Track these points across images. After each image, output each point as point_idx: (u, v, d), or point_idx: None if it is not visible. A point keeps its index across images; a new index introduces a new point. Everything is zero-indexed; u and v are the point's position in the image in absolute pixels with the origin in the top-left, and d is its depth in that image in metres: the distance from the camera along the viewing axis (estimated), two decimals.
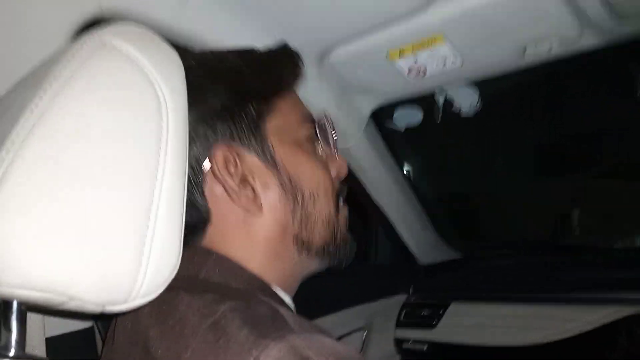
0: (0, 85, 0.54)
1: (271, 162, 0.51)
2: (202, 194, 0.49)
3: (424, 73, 0.84)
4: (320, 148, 0.57)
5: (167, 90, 0.37)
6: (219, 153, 0.48)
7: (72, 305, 0.31)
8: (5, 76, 0.54)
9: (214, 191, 0.49)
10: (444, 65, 0.81)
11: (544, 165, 1.32)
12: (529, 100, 1.14)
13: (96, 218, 0.32)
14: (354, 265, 0.59)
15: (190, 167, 0.47)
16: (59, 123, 0.32)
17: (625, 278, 1.07)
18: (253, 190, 0.50)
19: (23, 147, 0.30)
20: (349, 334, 1.19)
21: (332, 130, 0.58)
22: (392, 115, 1.12)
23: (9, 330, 0.32)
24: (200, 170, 0.48)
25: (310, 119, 0.56)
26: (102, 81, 0.34)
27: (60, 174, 0.31)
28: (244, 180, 0.49)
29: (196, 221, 0.50)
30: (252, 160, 0.50)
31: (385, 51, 0.80)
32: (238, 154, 0.49)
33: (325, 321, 1.10)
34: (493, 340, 1.14)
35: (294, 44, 0.80)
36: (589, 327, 1.03)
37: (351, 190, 1.18)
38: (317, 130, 0.56)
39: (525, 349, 1.10)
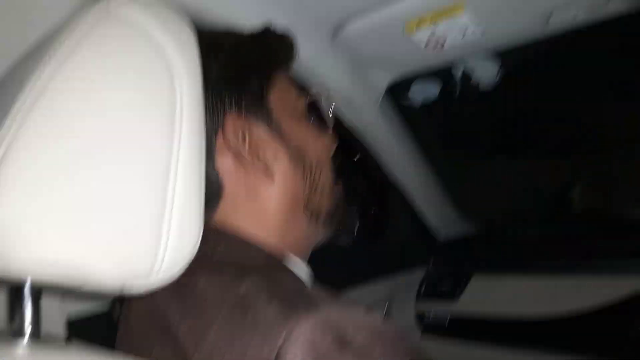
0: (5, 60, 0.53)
1: (278, 133, 0.51)
2: (214, 166, 0.49)
3: (442, 45, 0.81)
4: (314, 121, 0.58)
5: (179, 58, 0.35)
6: (230, 123, 0.48)
7: (90, 286, 0.30)
8: (11, 51, 0.53)
9: (224, 163, 0.49)
10: (464, 35, 0.78)
11: (566, 136, 1.28)
12: (552, 72, 1.09)
13: (110, 195, 0.31)
14: (373, 240, 0.58)
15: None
16: (64, 95, 0.30)
17: None
18: (263, 161, 0.50)
19: (25, 124, 0.29)
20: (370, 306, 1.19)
21: (327, 103, 0.59)
22: (409, 89, 1.09)
23: (23, 313, 0.32)
24: (212, 142, 0.48)
25: (304, 93, 0.58)
26: (110, 50, 0.33)
27: (69, 150, 0.30)
28: (254, 151, 0.49)
29: (209, 196, 0.49)
30: (260, 131, 0.50)
31: (402, 23, 0.78)
32: (248, 125, 0.49)
33: (346, 295, 1.10)
34: (516, 312, 1.13)
35: (307, 18, 0.79)
36: (617, 298, 1.00)
37: (368, 166, 1.18)
38: (313, 103, 0.58)
39: (549, 321, 1.08)
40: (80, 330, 0.53)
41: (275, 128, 0.51)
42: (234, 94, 0.49)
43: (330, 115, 0.59)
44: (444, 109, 1.18)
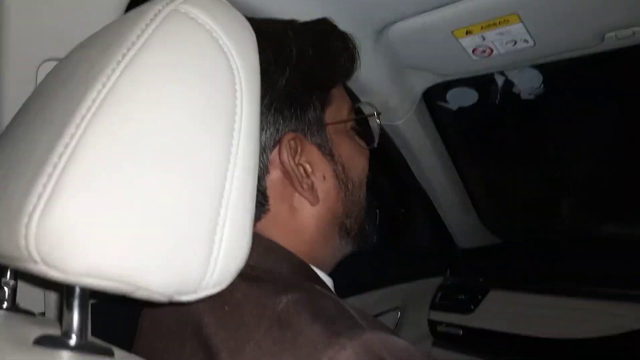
0: (56, 50, 0.53)
1: (329, 153, 0.51)
2: (264, 179, 0.48)
3: (491, 52, 0.79)
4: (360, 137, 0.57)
5: (242, 64, 0.34)
6: (286, 141, 0.48)
7: (139, 294, 0.30)
8: (59, 40, 0.53)
9: (273, 178, 0.49)
10: (514, 45, 0.76)
11: (598, 154, 1.25)
12: (597, 86, 1.06)
13: (168, 204, 0.30)
14: (392, 245, 0.58)
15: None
16: (132, 97, 0.29)
17: None
18: (311, 181, 0.49)
19: (93, 123, 0.28)
20: (383, 313, 1.19)
21: (375, 121, 0.59)
22: (445, 94, 1.07)
23: (72, 317, 0.31)
24: (266, 156, 0.48)
25: (354, 109, 0.57)
26: (177, 51, 0.32)
27: (131, 155, 0.29)
28: (305, 171, 0.49)
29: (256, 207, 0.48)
30: (312, 150, 0.50)
31: (449, 29, 0.75)
32: (301, 143, 0.49)
33: (361, 299, 1.10)
34: (532, 330, 1.12)
35: (352, 18, 0.77)
36: (636, 326, 0.98)
37: (395, 169, 1.16)
38: (360, 121, 0.58)
39: (564, 342, 1.07)
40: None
41: (327, 149, 0.51)
42: (296, 111, 0.49)
43: (377, 134, 0.59)
44: (481, 116, 1.15)
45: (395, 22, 0.78)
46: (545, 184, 1.33)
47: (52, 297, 0.57)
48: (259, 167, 0.46)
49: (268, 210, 0.49)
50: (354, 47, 0.55)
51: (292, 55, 0.49)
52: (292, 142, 0.48)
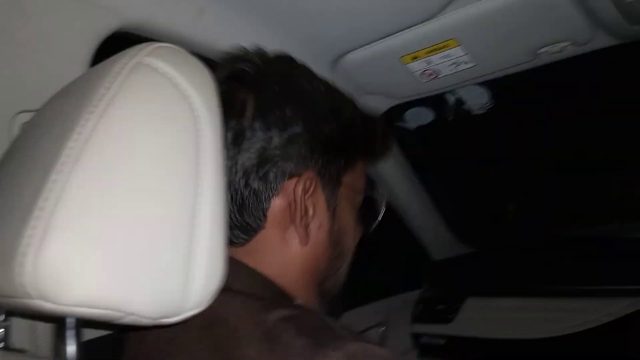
0: (25, 102, 0.56)
1: (332, 210, 0.54)
2: (271, 200, 0.50)
3: (437, 75, 0.86)
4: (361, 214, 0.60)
5: (202, 105, 0.38)
6: (306, 176, 0.50)
7: (129, 319, 0.33)
8: (31, 93, 0.56)
9: (278, 202, 0.50)
10: (457, 67, 0.82)
11: (554, 160, 1.33)
12: (541, 98, 1.15)
13: (147, 237, 0.33)
14: (369, 263, 0.62)
15: (276, 176, 0.49)
16: (106, 144, 0.33)
17: None
18: (308, 222, 0.51)
19: (76, 169, 0.31)
20: (367, 329, 1.21)
21: (381, 207, 0.64)
22: (404, 114, 1.13)
23: (65, 345, 0.34)
24: (282, 181, 0.50)
25: (369, 188, 0.60)
26: (143, 100, 0.35)
27: (110, 196, 0.32)
28: (307, 211, 0.51)
29: (249, 227, 0.51)
30: (321, 199, 0.52)
31: (398, 56, 0.82)
32: (315, 187, 0.51)
33: (344, 318, 1.12)
34: (511, 333, 1.16)
35: (309, 50, 0.83)
36: (608, 319, 1.04)
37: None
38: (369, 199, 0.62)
39: (544, 341, 1.11)
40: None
41: (333, 204, 0.53)
42: (325, 158, 0.52)
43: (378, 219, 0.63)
44: (439, 133, 1.22)
45: (348, 52, 0.84)
46: (505, 191, 1.40)
47: (42, 333, 0.58)
48: (270, 187, 0.49)
49: (263, 229, 0.51)
50: (391, 137, 0.62)
51: (343, 115, 0.54)
52: (308, 182, 0.50)
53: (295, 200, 0.50)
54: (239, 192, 0.49)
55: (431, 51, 0.78)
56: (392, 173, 1.19)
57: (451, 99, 1.02)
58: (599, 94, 1.15)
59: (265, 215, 0.50)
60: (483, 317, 1.22)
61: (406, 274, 1.40)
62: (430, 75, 0.86)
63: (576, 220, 1.38)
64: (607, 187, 1.31)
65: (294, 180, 0.50)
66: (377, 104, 1.02)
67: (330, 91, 0.56)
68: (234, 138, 0.48)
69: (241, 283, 0.48)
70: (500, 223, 1.44)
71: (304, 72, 0.56)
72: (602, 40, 0.74)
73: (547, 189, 1.39)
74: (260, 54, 0.54)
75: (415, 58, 0.81)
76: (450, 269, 1.39)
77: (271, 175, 0.49)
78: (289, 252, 0.51)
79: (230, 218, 0.50)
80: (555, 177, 1.39)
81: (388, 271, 1.34)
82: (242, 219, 0.50)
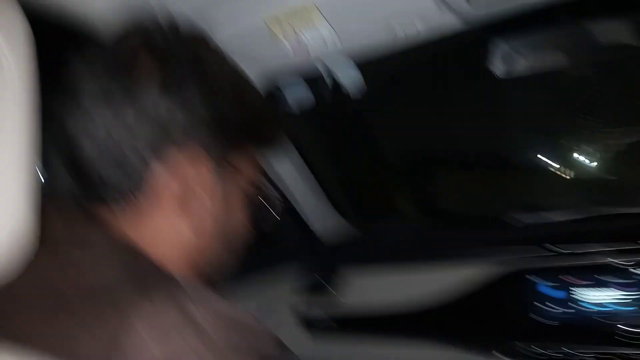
0: None
1: (218, 190, 0.53)
2: (149, 167, 0.48)
3: (308, 53, 0.88)
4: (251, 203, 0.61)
5: (11, 55, 0.36)
6: (196, 148, 0.50)
7: None
8: None
9: (156, 173, 0.49)
10: (325, 44, 0.85)
11: (428, 143, 1.42)
12: (413, 81, 1.22)
13: None
14: (257, 245, 0.63)
15: (160, 142, 0.48)
16: None
17: (508, 240, 1.18)
18: (192, 197, 0.51)
19: None
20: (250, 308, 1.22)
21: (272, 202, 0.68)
22: (286, 97, 1.14)
23: None
24: (165, 151, 0.49)
25: (260, 179, 0.62)
26: None
27: None
28: (190, 184, 0.50)
29: (125, 190, 0.49)
30: (206, 175, 0.52)
31: (266, 28, 0.82)
32: (201, 161, 0.51)
33: (225, 292, 1.11)
34: (395, 307, 1.22)
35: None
36: (478, 287, 1.14)
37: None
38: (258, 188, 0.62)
39: (424, 312, 1.19)
40: None
41: (219, 184, 0.53)
42: (220, 135, 0.51)
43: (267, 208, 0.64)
44: (321, 116, 1.25)
45: (217, 27, 0.83)
46: (389, 175, 1.47)
47: None
48: (153, 152, 0.48)
49: (141, 194, 0.49)
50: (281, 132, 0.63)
51: (242, 98, 0.55)
52: (199, 154, 0.50)
53: (180, 173, 0.49)
54: (119, 151, 0.48)
55: (294, 20, 0.80)
56: (277, 156, 1.20)
57: (329, 80, 1.04)
58: (465, 85, 1.25)
59: (143, 180, 0.49)
60: (367, 294, 1.27)
61: (295, 255, 1.42)
62: (302, 53, 0.88)
63: (457, 201, 1.49)
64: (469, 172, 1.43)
65: (179, 151, 0.49)
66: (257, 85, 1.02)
67: (234, 75, 0.57)
68: (123, 95, 0.48)
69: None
70: (387, 206, 1.52)
71: (214, 52, 0.56)
72: (450, 20, 0.79)
73: (427, 174, 1.49)
74: (174, 27, 0.54)
75: (284, 33, 0.82)
76: (337, 249, 1.43)
77: (157, 141, 0.48)
78: (171, 227, 0.51)
79: (107, 176, 0.48)
80: (435, 163, 1.49)
81: (276, 252, 1.36)
82: (120, 181, 0.49)
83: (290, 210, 1.33)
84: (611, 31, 1.02)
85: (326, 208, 1.40)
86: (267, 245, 1.32)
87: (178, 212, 0.50)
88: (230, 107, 0.53)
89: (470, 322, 1.17)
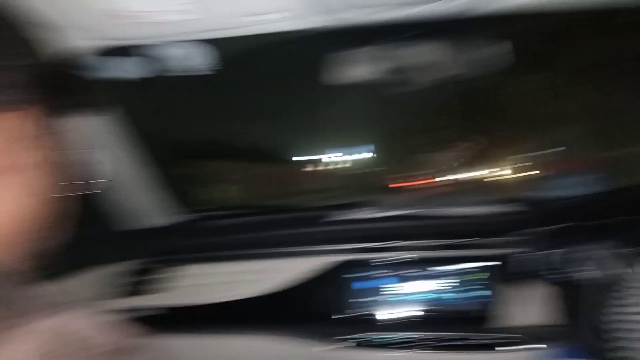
0: None
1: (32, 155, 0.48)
2: None
3: (140, 21, 0.77)
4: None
5: None
6: (38, 112, 0.47)
7: None
8: None
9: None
10: (178, 15, 0.75)
11: (260, 131, 1.40)
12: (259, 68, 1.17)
13: None
14: (78, 233, 0.57)
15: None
16: None
17: (334, 233, 1.25)
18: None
19: None
20: (73, 302, 1.06)
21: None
22: (118, 66, 0.99)
23: None
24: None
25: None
26: None
27: None
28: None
29: None
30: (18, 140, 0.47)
31: None
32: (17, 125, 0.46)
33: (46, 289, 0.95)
34: (225, 296, 1.20)
35: None
36: (308, 276, 1.18)
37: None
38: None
39: (254, 300, 1.19)
40: None
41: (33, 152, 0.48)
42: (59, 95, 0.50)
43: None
44: (158, 89, 1.12)
45: None
46: (224, 157, 1.41)
47: None
48: None
49: None
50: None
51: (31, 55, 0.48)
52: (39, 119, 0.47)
53: (25, 131, 0.46)
54: None
55: None
56: (101, 132, 1.07)
57: (163, 52, 0.93)
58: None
59: None
60: (198, 283, 1.22)
61: (119, 244, 1.28)
62: (130, 18, 0.76)
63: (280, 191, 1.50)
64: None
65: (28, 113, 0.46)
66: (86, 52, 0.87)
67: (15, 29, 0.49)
68: None
69: None
70: (217, 189, 1.46)
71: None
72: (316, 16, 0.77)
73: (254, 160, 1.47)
74: None
75: None
76: (165, 236, 1.34)
77: None
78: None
79: None
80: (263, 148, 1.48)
81: (97, 240, 1.20)
82: None
83: (111, 193, 1.20)
84: (427, 53, 1.10)
85: (153, 191, 1.29)
86: (87, 225, 1.16)
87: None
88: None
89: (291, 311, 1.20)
